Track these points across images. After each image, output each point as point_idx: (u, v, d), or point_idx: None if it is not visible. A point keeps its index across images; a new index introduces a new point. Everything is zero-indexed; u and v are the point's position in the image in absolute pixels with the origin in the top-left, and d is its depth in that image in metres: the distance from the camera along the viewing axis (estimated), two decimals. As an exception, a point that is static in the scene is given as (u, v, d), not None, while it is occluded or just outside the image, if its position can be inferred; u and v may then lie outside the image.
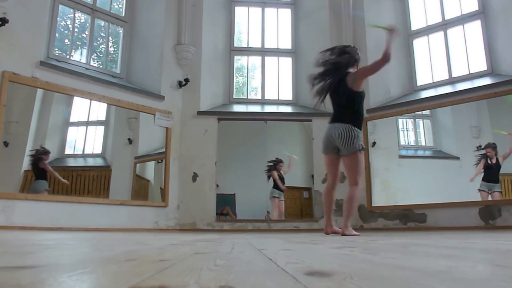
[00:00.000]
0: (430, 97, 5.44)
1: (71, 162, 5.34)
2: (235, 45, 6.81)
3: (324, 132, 3.34)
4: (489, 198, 4.88)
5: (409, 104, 5.58)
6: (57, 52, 5.30)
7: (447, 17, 5.93)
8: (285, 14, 6.94)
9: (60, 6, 5.33)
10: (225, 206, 6.97)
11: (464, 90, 5.16)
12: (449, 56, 5.84)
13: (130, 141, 5.67)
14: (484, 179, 4.96)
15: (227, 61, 6.67)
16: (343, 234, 3.04)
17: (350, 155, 3.14)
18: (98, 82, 5.19)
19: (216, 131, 5.91)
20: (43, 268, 0.76)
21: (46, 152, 4.85)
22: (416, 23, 6.28)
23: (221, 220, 5.95)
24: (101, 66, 5.94)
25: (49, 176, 4.84)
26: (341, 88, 3.21)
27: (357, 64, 3.33)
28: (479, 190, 4.93)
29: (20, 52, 4.49)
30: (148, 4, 6.08)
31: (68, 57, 5.44)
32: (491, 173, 4.93)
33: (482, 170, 4.98)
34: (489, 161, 4.96)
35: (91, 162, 5.52)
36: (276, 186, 6.51)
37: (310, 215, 6.10)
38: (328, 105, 3.36)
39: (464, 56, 5.72)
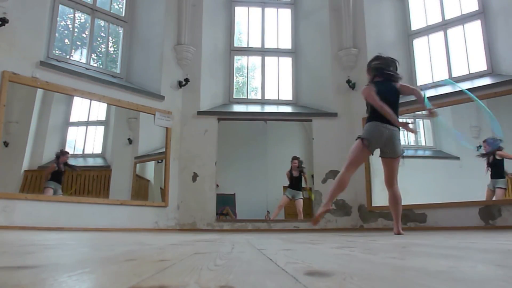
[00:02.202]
0: (430, 97, 5.44)
1: (71, 162, 5.33)
2: (235, 45, 6.81)
3: (372, 127, 3.20)
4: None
5: (409, 104, 5.57)
6: (57, 52, 5.30)
7: (447, 17, 5.93)
8: (285, 14, 6.94)
9: (60, 6, 5.33)
10: (225, 206, 6.97)
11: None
12: (449, 56, 5.84)
13: (130, 141, 5.68)
14: (490, 176, 4.95)
15: (227, 61, 6.67)
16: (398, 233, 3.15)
17: (396, 158, 3.20)
18: (98, 82, 5.19)
19: (216, 131, 5.90)
20: (43, 268, 0.76)
21: (64, 153, 5.07)
22: (416, 23, 6.27)
23: (221, 220, 5.95)
24: (101, 66, 5.94)
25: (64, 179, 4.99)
26: (392, 90, 3.30)
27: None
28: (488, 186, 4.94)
29: (20, 52, 4.49)
30: (148, 4, 6.08)
31: (68, 57, 5.44)
32: (494, 169, 4.91)
33: (488, 168, 4.96)
34: (491, 158, 4.94)
35: (91, 162, 5.52)
36: (291, 186, 6.50)
37: (310, 215, 6.09)
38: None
39: (464, 56, 5.72)
